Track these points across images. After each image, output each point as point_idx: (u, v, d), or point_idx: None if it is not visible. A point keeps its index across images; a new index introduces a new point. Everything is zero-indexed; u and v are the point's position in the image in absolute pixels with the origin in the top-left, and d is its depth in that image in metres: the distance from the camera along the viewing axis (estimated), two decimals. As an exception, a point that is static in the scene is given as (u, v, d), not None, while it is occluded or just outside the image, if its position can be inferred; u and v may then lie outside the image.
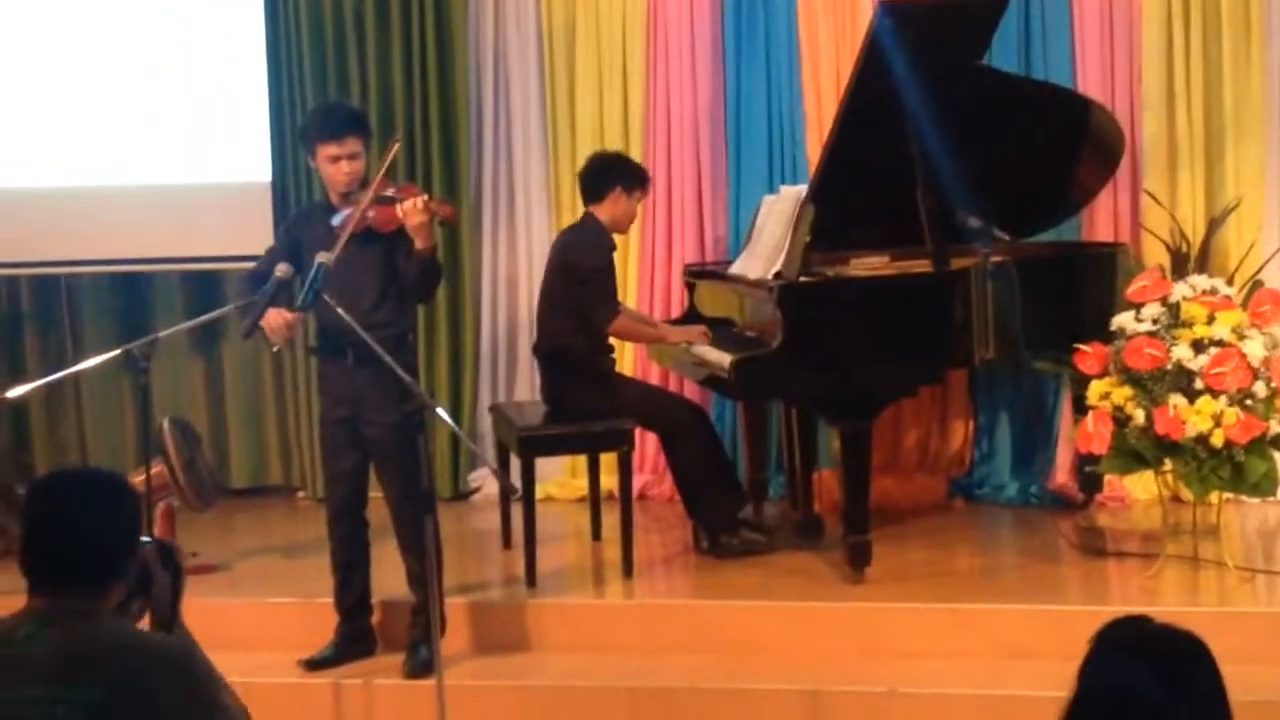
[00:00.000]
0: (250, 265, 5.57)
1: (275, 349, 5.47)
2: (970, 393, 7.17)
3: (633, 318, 6.60)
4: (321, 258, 5.01)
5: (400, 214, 5.16)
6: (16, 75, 7.35)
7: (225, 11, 7.36)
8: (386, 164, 5.29)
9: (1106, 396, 5.67)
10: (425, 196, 5.23)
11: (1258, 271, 6.44)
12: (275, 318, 5.19)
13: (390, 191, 5.29)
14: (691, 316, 6.76)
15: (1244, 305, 5.80)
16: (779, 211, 6.19)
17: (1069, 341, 5.89)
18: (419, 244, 5.20)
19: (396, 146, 5.41)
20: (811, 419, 6.60)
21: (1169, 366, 5.58)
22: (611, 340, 6.39)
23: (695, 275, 6.95)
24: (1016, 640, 5.30)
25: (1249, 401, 5.53)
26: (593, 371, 6.23)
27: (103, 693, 2.60)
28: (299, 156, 7.34)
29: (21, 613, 2.72)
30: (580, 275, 6.19)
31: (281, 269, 5.12)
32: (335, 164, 5.29)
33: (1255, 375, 5.54)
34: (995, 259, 5.81)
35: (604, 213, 6.30)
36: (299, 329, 5.46)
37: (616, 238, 6.40)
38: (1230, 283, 6.10)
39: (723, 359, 5.80)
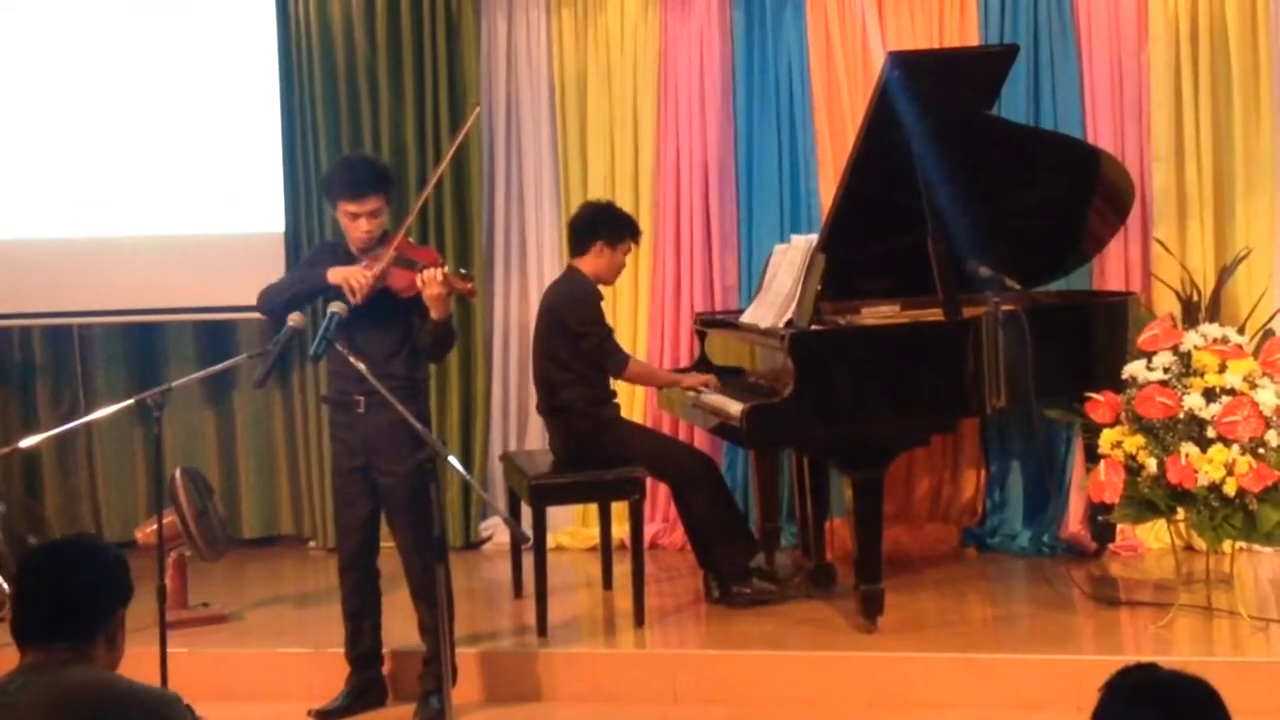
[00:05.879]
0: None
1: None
2: (982, 442, 7.17)
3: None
4: (335, 307, 5.04)
5: (419, 283, 5.18)
6: (32, 126, 7.40)
7: (239, 64, 7.41)
8: (465, 130, 5.38)
9: (1118, 445, 5.66)
10: (445, 269, 5.23)
11: (1269, 320, 6.45)
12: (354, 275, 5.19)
13: (411, 255, 5.31)
14: (702, 365, 6.77)
15: (1255, 354, 5.80)
16: (790, 260, 6.21)
17: (1080, 390, 5.89)
18: (435, 314, 5.21)
19: (477, 111, 5.45)
20: (823, 468, 6.59)
21: (1181, 415, 5.57)
22: (615, 387, 6.41)
23: (706, 324, 6.96)
24: (1029, 690, 5.28)
25: (1261, 450, 5.51)
26: (597, 422, 6.23)
27: None
28: (312, 208, 7.41)
29: (13, 670, 2.87)
30: (575, 331, 6.19)
31: (294, 318, 5.12)
32: (354, 221, 5.31)
33: (1267, 424, 5.53)
34: (1006, 308, 5.82)
35: (587, 266, 6.32)
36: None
37: (629, 285, 6.38)
38: (1241, 331, 6.10)
39: (734, 408, 5.80)
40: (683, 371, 6.80)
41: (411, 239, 5.57)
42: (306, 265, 5.59)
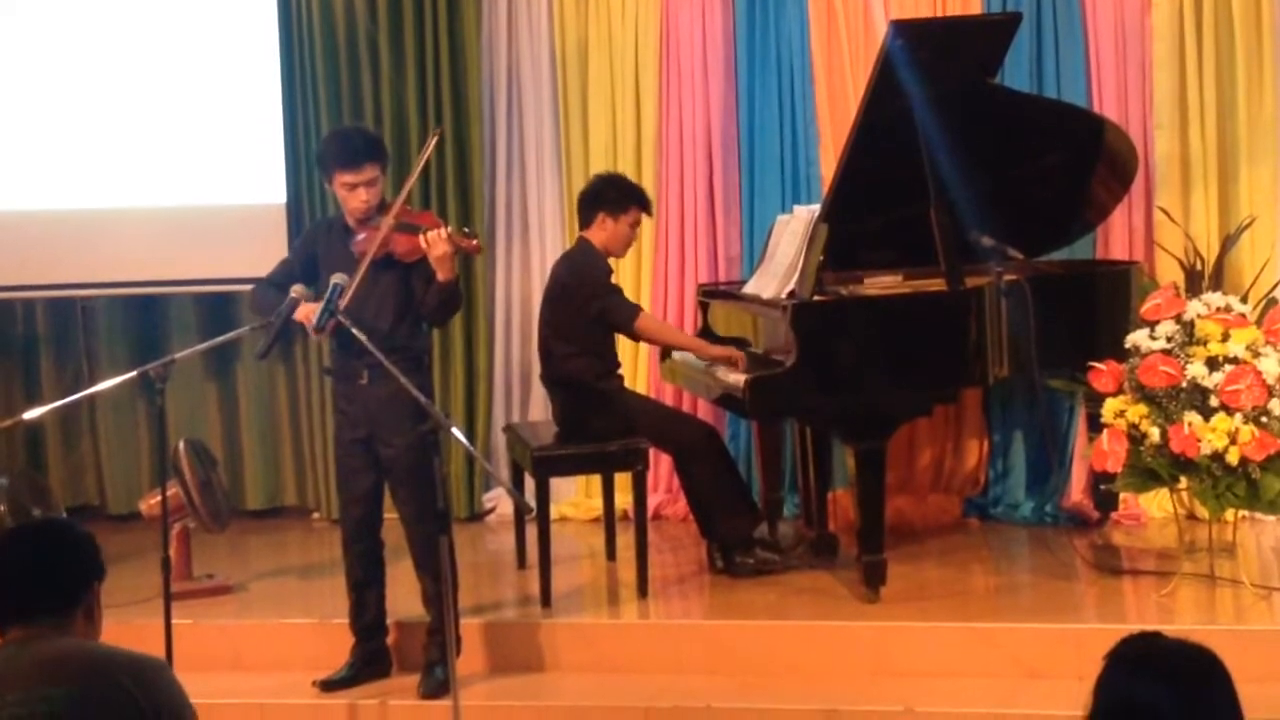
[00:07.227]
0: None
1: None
2: (985, 412, 7.17)
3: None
4: (338, 279, 5.04)
5: (424, 245, 5.17)
6: (33, 99, 7.39)
7: (240, 35, 7.39)
8: (427, 153, 5.33)
9: (1121, 414, 5.66)
10: (448, 228, 5.23)
11: (1272, 289, 6.44)
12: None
13: (411, 219, 5.30)
14: (705, 337, 6.75)
15: (1258, 322, 5.80)
16: (792, 231, 6.20)
17: (1083, 359, 5.89)
18: (441, 275, 5.20)
19: (438, 135, 5.45)
20: (826, 438, 6.60)
21: (1184, 384, 5.57)
22: (620, 358, 6.40)
23: (709, 295, 6.94)
24: (1032, 659, 5.29)
25: (1264, 419, 5.51)
26: (601, 393, 6.22)
27: (77, 691, 2.83)
28: (313, 179, 7.38)
29: None
30: (585, 293, 6.17)
31: (297, 289, 5.13)
32: (352, 191, 5.30)
33: (1270, 392, 5.53)
34: (1009, 278, 5.81)
35: (595, 237, 6.30)
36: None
37: (632, 256, 6.36)
38: (1244, 300, 6.10)
39: (737, 378, 5.80)
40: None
41: (410, 206, 5.57)
42: (302, 245, 5.59)
